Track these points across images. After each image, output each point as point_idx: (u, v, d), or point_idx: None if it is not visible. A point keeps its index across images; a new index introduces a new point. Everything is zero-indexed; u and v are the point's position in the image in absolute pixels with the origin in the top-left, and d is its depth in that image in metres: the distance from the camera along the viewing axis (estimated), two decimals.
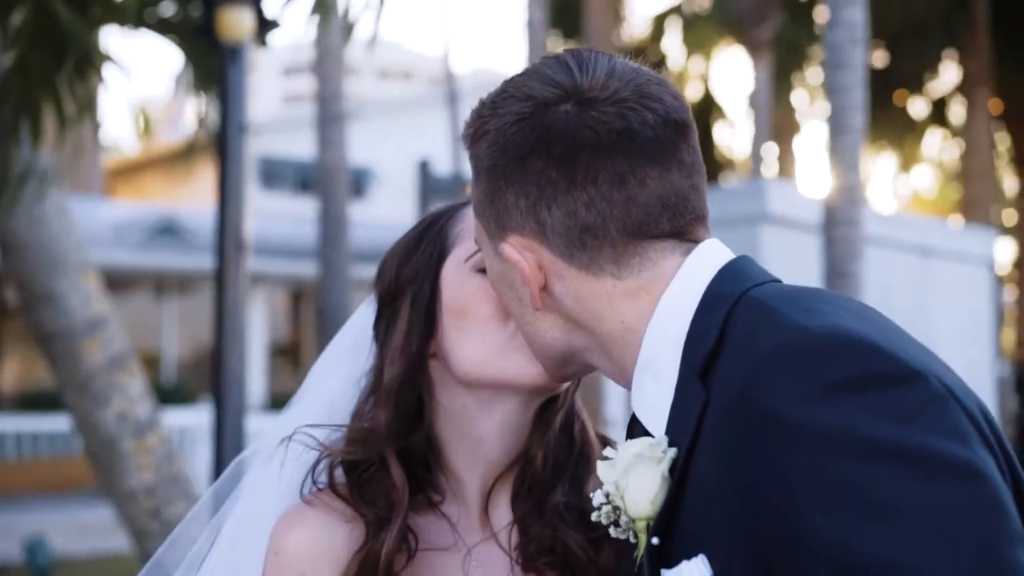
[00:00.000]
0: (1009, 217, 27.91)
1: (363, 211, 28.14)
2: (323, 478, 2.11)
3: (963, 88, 22.47)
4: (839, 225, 8.97)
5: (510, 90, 1.78)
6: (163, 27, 8.37)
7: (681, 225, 1.72)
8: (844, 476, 1.41)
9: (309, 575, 2.03)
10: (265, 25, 6.18)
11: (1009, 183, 29.17)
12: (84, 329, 6.75)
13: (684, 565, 1.58)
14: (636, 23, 23.16)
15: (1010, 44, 21.99)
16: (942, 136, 28.66)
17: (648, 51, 22.70)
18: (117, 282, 22.47)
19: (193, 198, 31.26)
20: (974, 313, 13.86)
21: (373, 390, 2.09)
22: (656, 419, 1.70)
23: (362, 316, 2.22)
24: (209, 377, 5.67)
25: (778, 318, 1.56)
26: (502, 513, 2.11)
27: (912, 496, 1.38)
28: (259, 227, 18.31)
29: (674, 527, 1.62)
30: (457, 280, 2.04)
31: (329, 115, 12.10)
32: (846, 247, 8.98)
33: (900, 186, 37.73)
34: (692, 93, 23.21)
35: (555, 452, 2.10)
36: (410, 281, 2.08)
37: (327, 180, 12.01)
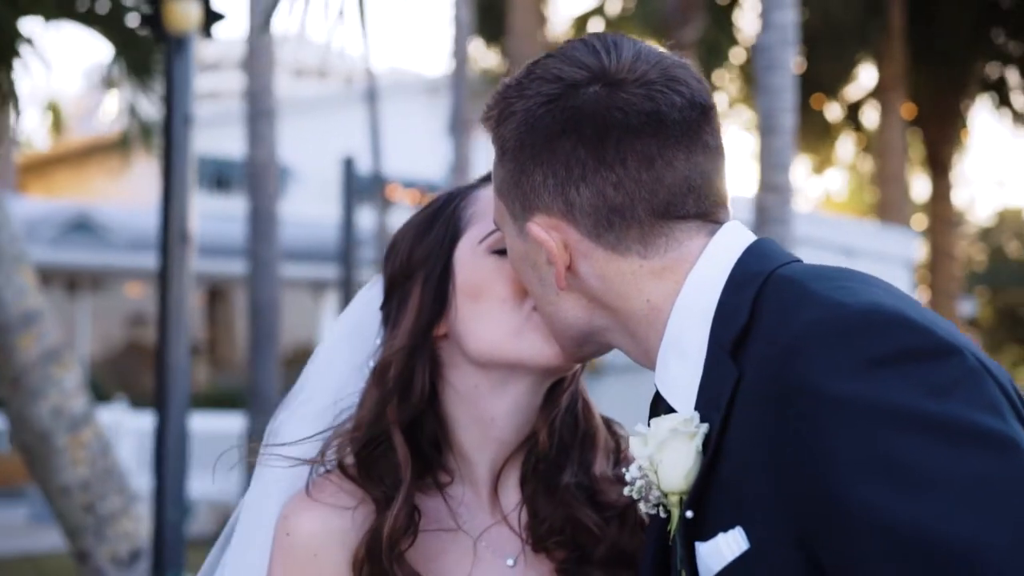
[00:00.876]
0: (918, 220, 28.42)
1: (281, 209, 27.93)
2: (331, 459, 2.10)
3: (877, 93, 22.86)
4: (770, 224, 9.07)
5: (538, 72, 1.81)
6: (90, 18, 8.26)
7: (705, 207, 1.77)
8: (885, 447, 1.46)
9: (320, 556, 2.03)
10: (211, 17, 6.14)
11: (920, 187, 29.71)
12: (19, 323, 6.66)
13: (720, 538, 1.62)
14: (559, 23, 23.28)
15: (924, 49, 22.40)
16: (856, 140, 29.08)
17: None
18: None
19: (107, 194, 30.83)
20: None
21: (384, 366, 2.08)
22: (682, 396, 1.73)
23: (365, 298, 2.23)
24: (155, 374, 5.59)
25: (813, 295, 1.60)
26: (511, 494, 2.12)
27: (949, 467, 1.43)
28: None
29: (707, 501, 1.65)
30: (472, 261, 2.05)
31: (259, 111, 12.03)
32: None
33: (812, 188, 38.30)
34: None
35: (561, 432, 2.12)
36: (423, 262, 2.09)
37: (257, 176, 11.94)
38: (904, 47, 21.31)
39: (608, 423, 2.21)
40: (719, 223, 1.78)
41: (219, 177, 32.09)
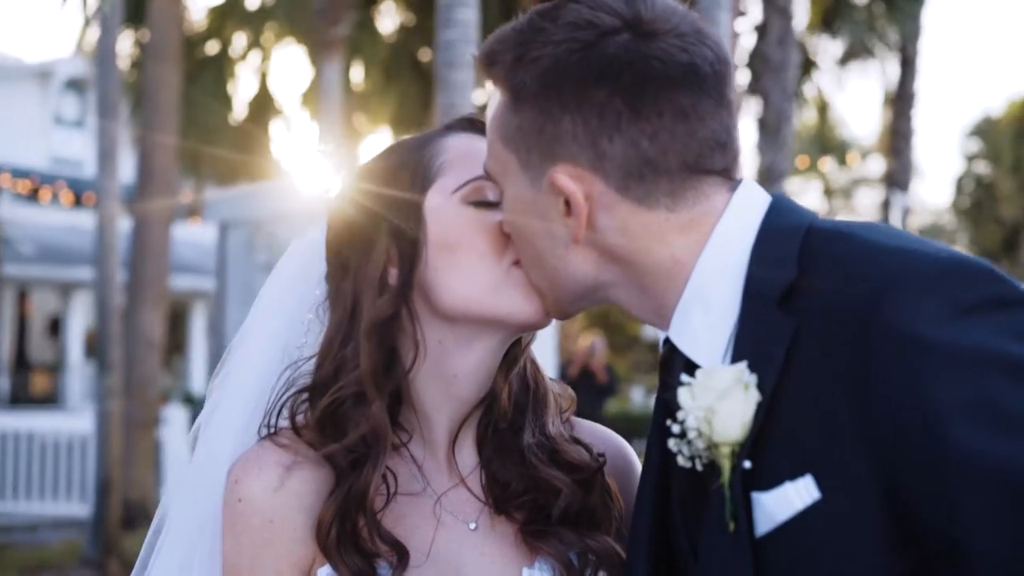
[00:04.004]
0: None
1: None
2: (282, 421, 2.00)
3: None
4: None
5: (566, 16, 1.76)
6: None
7: (727, 162, 1.78)
8: (984, 392, 1.50)
9: (278, 522, 1.92)
10: None
11: None
12: None
13: (789, 486, 1.61)
14: (197, 11, 22.67)
15: None
16: None
17: (207, 44, 22.23)
18: None
19: None
20: None
21: (347, 322, 1.99)
22: (706, 348, 1.72)
23: (302, 248, 2.13)
24: None
25: (883, 247, 1.63)
26: (467, 455, 2.06)
27: None
28: None
29: (765, 451, 1.63)
30: (446, 212, 1.97)
31: None
32: None
33: None
34: (248, 89, 22.93)
35: (516, 393, 2.08)
36: (389, 211, 1.99)
37: None
38: None
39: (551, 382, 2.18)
40: (735, 180, 1.79)
41: None
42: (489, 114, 1.86)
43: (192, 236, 28.62)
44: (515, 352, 2.07)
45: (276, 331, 2.09)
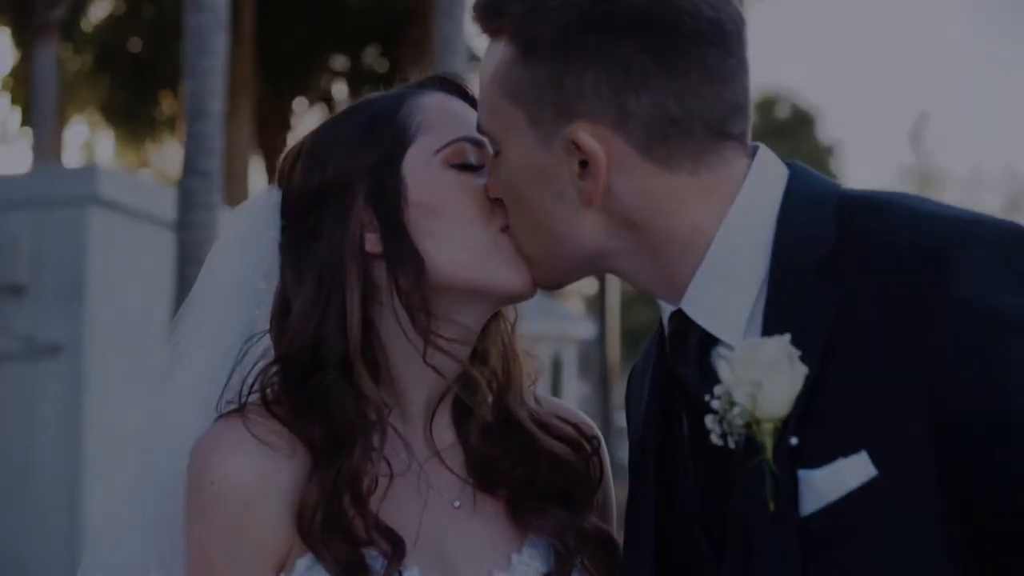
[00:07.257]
0: None
1: None
2: (248, 396, 1.86)
3: (229, 92, 23.05)
4: (196, 209, 8.91)
5: None
6: None
7: (744, 127, 1.71)
8: None
9: (255, 506, 1.78)
10: None
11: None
12: None
13: (843, 463, 1.54)
14: None
15: (269, 57, 22.83)
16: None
17: None
18: None
19: None
20: None
21: (325, 293, 1.85)
22: (726, 321, 1.64)
23: (255, 211, 1.98)
24: None
25: (933, 215, 1.59)
26: (444, 432, 1.95)
27: None
28: None
29: (812, 427, 1.55)
30: (428, 175, 1.86)
31: None
32: (202, 232, 8.93)
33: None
34: None
35: (494, 366, 1.97)
36: (367, 172, 1.87)
37: None
38: (253, 53, 21.56)
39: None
40: (750, 145, 1.72)
41: None
42: (488, 68, 1.74)
43: None
44: (493, 324, 1.96)
45: (232, 302, 1.95)
